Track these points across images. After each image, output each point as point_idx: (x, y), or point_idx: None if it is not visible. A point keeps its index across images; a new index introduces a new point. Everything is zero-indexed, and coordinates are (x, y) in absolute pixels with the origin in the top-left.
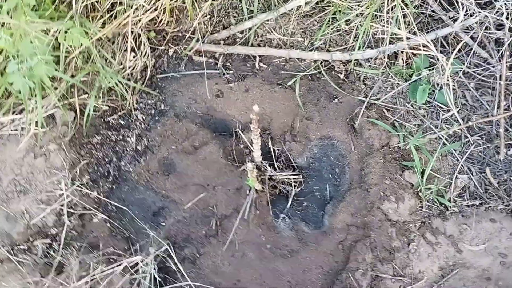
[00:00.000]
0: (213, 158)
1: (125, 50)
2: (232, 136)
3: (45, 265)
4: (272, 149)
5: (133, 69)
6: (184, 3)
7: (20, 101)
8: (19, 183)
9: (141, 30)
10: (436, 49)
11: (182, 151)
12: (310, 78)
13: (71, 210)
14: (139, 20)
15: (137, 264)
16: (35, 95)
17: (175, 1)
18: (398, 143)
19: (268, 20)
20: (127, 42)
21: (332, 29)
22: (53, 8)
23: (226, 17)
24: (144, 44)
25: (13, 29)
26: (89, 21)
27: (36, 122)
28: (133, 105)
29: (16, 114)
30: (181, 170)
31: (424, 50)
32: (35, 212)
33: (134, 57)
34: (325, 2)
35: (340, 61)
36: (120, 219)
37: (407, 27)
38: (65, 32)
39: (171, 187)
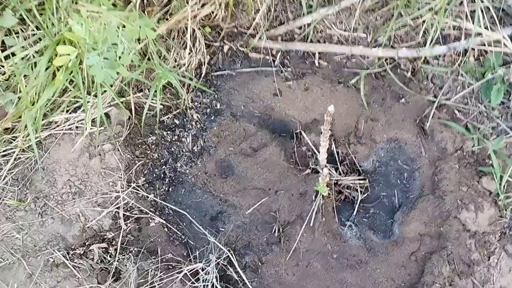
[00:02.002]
0: (274, 161)
1: (180, 47)
2: (292, 137)
3: (101, 271)
4: (335, 152)
5: (187, 66)
6: None
7: (75, 99)
8: (74, 184)
9: (196, 26)
10: None
11: (240, 152)
12: (373, 76)
13: (127, 213)
14: (195, 16)
15: (197, 272)
16: (93, 92)
17: None
18: (472, 146)
19: (328, 15)
20: (181, 38)
21: (397, 24)
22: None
23: (283, 12)
24: (199, 41)
25: (93, 19)
26: (146, 15)
27: (93, 120)
28: (188, 104)
29: (70, 113)
30: (239, 173)
31: (498, 46)
32: (90, 214)
33: (189, 53)
34: None
35: (406, 58)
36: (177, 223)
37: (482, 21)
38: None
39: (230, 191)
